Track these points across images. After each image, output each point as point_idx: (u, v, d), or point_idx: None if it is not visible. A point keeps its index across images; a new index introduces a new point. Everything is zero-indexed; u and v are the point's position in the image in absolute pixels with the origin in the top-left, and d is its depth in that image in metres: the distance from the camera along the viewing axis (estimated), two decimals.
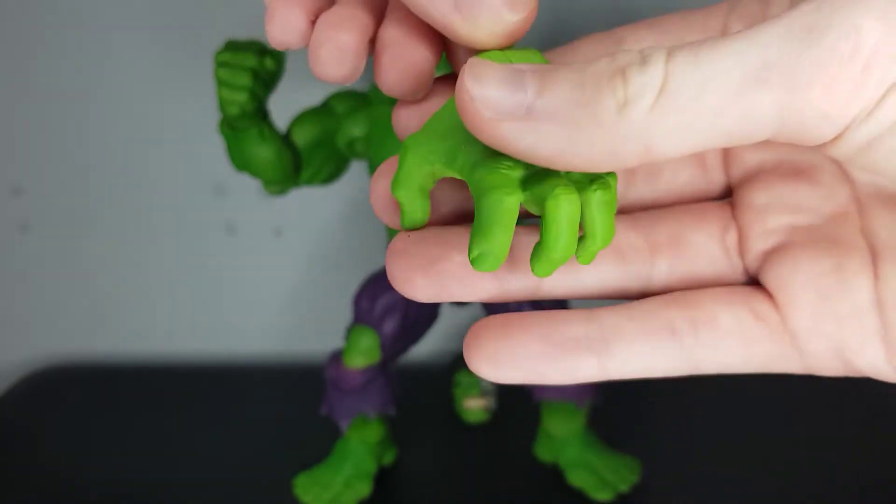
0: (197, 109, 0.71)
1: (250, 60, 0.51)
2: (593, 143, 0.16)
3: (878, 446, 0.65)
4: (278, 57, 0.52)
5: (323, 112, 0.58)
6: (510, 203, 0.17)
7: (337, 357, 0.61)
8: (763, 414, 0.69)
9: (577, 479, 0.62)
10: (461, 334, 0.84)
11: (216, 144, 0.55)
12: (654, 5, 0.73)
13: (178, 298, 0.85)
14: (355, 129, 0.58)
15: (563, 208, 0.17)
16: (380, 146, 0.58)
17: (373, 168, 0.61)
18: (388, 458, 0.65)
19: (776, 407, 0.71)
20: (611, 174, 0.19)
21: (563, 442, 0.64)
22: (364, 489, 0.61)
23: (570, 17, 0.74)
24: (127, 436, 0.70)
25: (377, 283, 0.61)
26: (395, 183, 0.20)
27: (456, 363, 0.73)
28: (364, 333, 0.60)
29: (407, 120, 0.22)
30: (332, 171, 0.59)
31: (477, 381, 0.71)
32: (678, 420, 0.70)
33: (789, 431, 0.64)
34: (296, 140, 0.56)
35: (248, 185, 0.77)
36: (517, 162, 0.18)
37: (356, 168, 0.61)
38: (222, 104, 0.52)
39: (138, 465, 0.66)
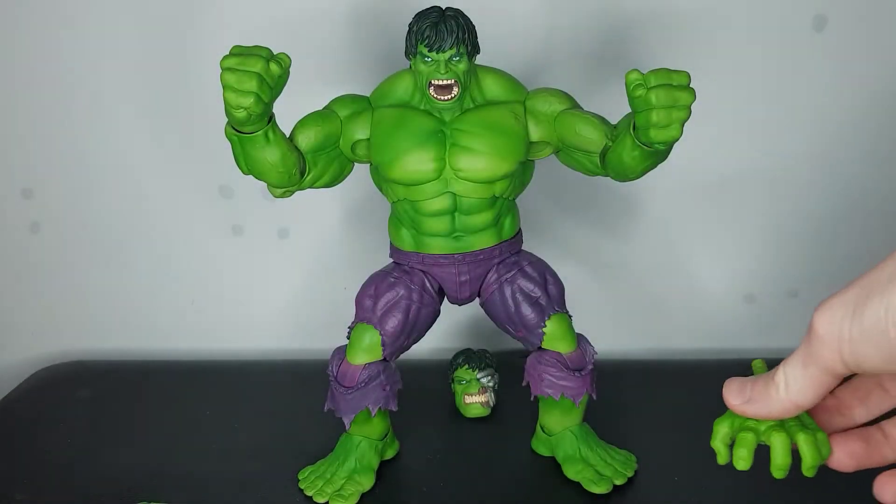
0: (204, 112, 0.73)
1: (256, 65, 0.50)
2: (772, 408, 0.35)
3: None
4: (283, 62, 0.51)
5: (326, 116, 0.59)
6: (751, 439, 0.37)
7: (340, 354, 0.62)
8: None
9: (574, 472, 0.63)
10: (461, 332, 0.86)
11: (222, 147, 0.56)
12: (645, 9, 0.74)
13: (185, 297, 0.86)
14: (357, 132, 0.59)
15: (775, 441, 0.36)
16: (381, 149, 0.59)
17: (374, 170, 0.61)
18: (391, 453, 0.66)
19: None
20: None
21: (560, 437, 0.65)
22: (367, 482, 0.62)
23: (565, 21, 0.75)
24: (135, 429, 0.71)
25: (379, 283, 0.62)
26: (713, 439, 0.38)
27: (456, 360, 0.74)
28: (367, 331, 0.61)
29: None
30: (336, 174, 0.60)
31: (476, 377, 0.72)
32: (673, 415, 0.71)
33: None
34: (299, 143, 0.57)
35: (254, 188, 0.78)
36: (774, 422, 0.37)
37: (358, 171, 0.62)
38: (228, 108, 0.51)
39: (146, 458, 0.67)
